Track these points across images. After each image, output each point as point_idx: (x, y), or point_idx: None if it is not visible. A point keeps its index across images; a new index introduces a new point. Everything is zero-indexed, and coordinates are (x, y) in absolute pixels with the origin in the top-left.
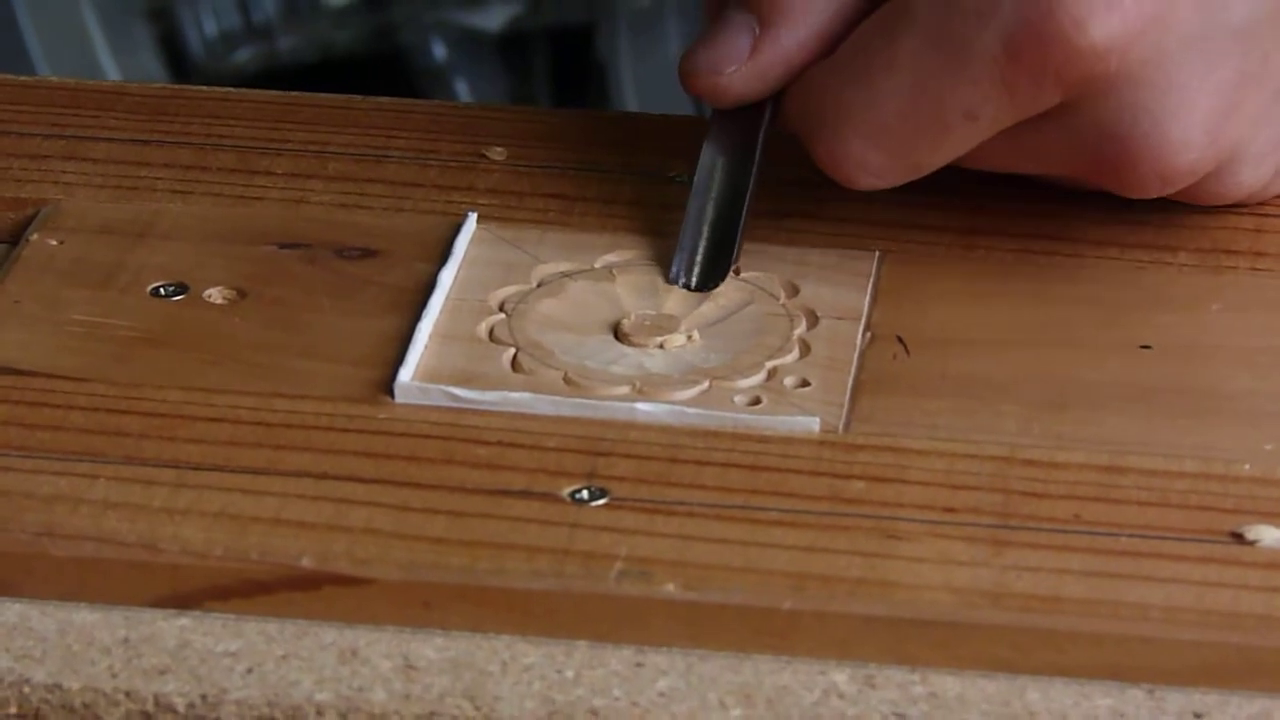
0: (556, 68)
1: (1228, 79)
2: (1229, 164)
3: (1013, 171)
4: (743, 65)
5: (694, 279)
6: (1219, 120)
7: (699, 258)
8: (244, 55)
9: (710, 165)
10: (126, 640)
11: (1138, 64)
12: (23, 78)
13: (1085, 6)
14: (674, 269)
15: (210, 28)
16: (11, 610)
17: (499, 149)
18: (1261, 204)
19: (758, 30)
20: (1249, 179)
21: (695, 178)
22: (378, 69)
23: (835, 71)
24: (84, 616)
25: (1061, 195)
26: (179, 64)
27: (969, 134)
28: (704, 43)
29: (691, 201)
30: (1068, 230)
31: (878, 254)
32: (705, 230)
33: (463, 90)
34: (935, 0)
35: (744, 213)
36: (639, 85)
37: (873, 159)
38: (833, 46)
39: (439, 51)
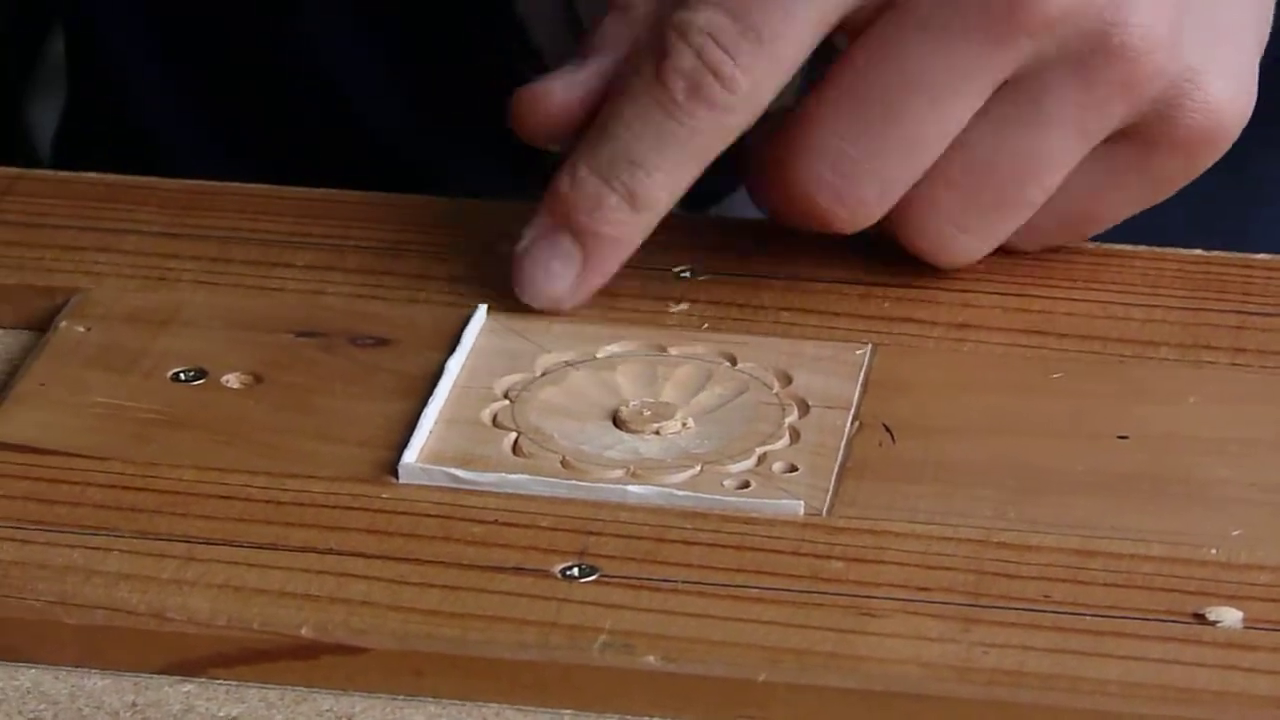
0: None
1: None
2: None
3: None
4: (563, 79)
5: None
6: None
7: None
8: None
9: None
10: (134, 705)
11: None
12: (60, 173)
13: None
14: None
15: None
16: (26, 675)
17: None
18: (1245, 299)
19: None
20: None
21: None
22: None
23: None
24: (94, 682)
25: (1048, 288)
26: None
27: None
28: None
29: None
30: (1054, 325)
31: (870, 346)
32: None
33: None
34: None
35: None
36: None
37: (717, 22)
38: None
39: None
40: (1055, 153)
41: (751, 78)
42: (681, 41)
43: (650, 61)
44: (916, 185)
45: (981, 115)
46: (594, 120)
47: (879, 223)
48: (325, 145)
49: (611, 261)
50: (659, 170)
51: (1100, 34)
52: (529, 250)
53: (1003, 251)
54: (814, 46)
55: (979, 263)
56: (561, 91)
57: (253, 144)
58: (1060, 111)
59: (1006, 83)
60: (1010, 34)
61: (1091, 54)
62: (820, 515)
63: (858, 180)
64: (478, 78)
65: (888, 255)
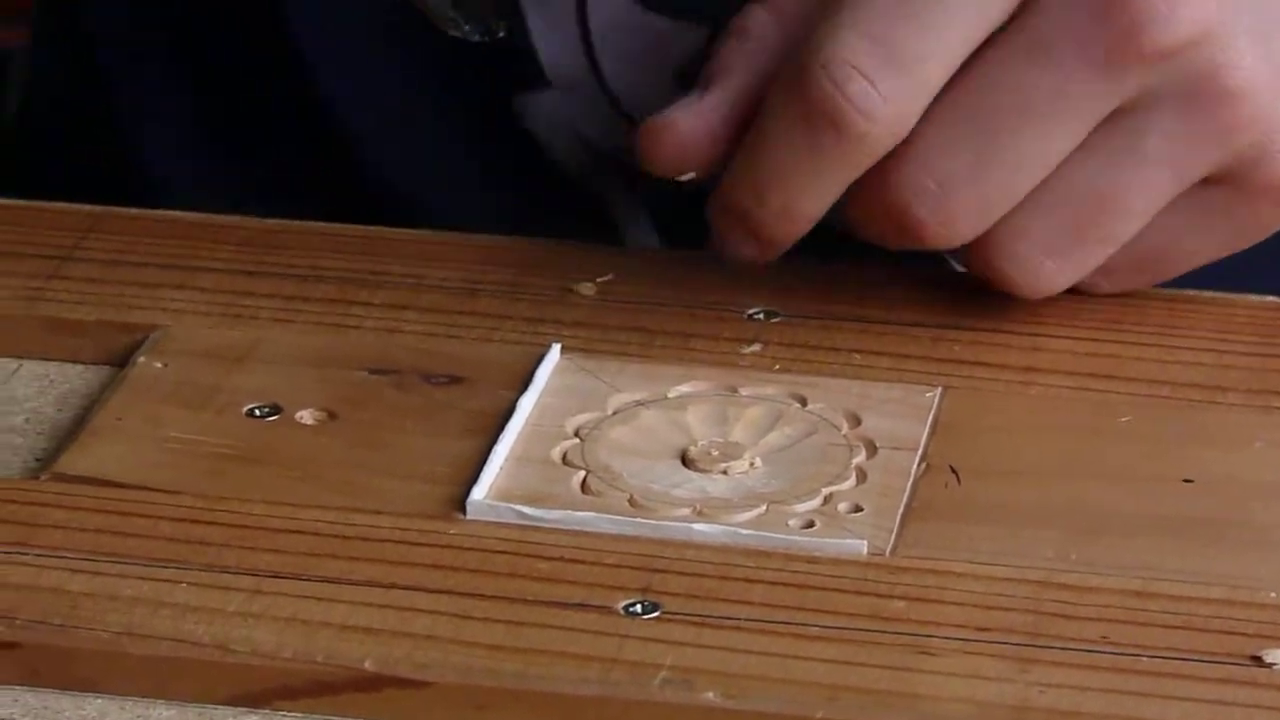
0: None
1: None
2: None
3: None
4: (686, 109)
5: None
6: None
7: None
8: None
9: None
10: None
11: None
12: (142, 211)
13: None
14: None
15: None
16: (93, 705)
17: (588, 284)
18: None
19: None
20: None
21: None
22: None
23: (828, 14)
24: (161, 712)
25: (1118, 333)
26: None
27: (963, 8)
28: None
29: None
30: (1123, 369)
31: (940, 389)
32: None
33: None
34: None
35: None
36: None
37: (862, 50)
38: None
39: None
40: (1151, 189)
41: (895, 107)
42: (824, 76)
43: (791, 98)
44: (1011, 210)
45: (1083, 146)
46: (735, 159)
47: (962, 248)
48: (318, 171)
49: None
50: (804, 195)
51: (1209, 74)
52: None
53: (1077, 293)
54: (960, 64)
55: (1050, 306)
56: (686, 122)
57: (248, 169)
58: (1160, 149)
59: (1111, 114)
60: (1124, 63)
61: (1199, 94)
62: (883, 555)
63: (958, 195)
64: (483, 106)
65: (959, 299)
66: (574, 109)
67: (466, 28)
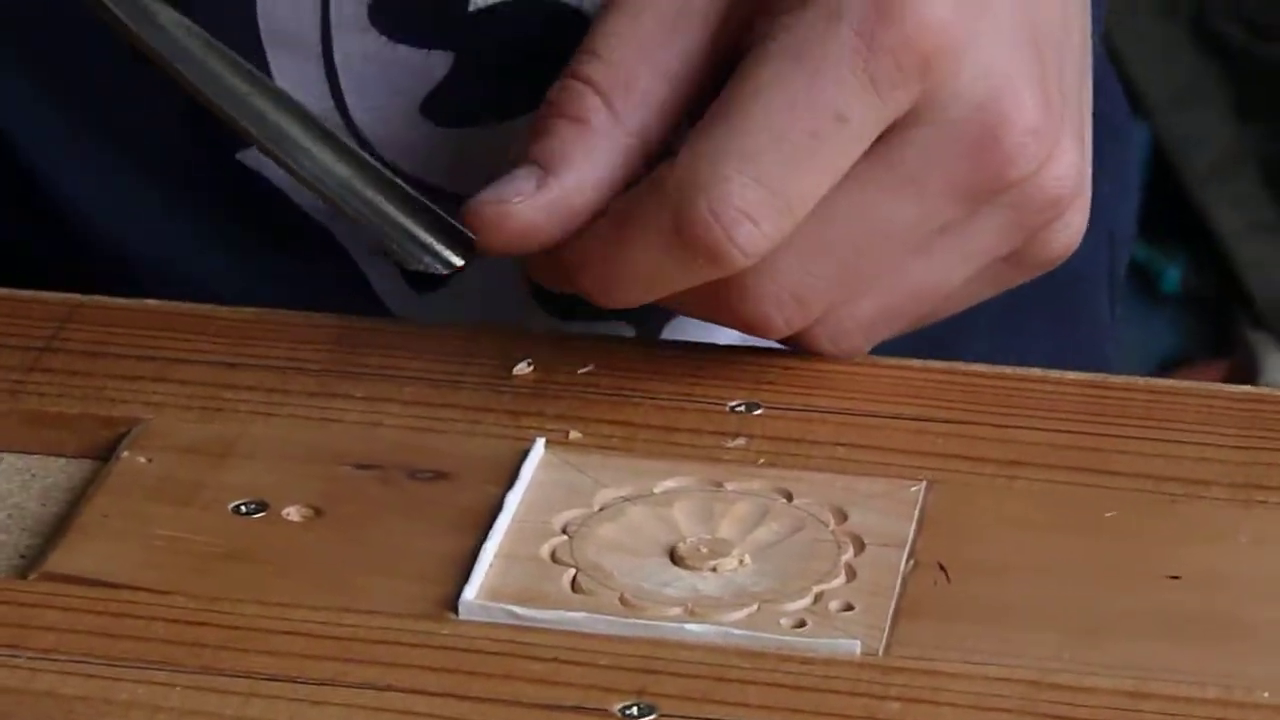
0: None
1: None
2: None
3: (909, 231)
4: (528, 198)
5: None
6: (1044, 84)
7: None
8: None
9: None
10: None
11: (977, 34)
12: (120, 300)
13: None
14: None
15: None
16: None
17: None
18: None
19: (541, 176)
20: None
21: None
22: None
23: (703, 135)
24: None
25: (1099, 425)
26: None
27: (843, 143)
28: (489, 186)
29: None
30: (1106, 463)
31: (924, 483)
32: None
33: None
34: (782, 24)
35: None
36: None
37: (751, 197)
38: (612, 194)
39: None
40: (970, 280)
41: (773, 241)
42: (713, 220)
43: (668, 224)
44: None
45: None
46: (582, 247)
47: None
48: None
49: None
50: (650, 295)
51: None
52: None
53: (1053, 383)
54: None
55: (1028, 398)
56: (528, 215)
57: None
58: (986, 246)
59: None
60: (989, 196)
61: (1031, 213)
62: (876, 655)
63: (814, 306)
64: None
65: (939, 390)
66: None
67: (429, 261)
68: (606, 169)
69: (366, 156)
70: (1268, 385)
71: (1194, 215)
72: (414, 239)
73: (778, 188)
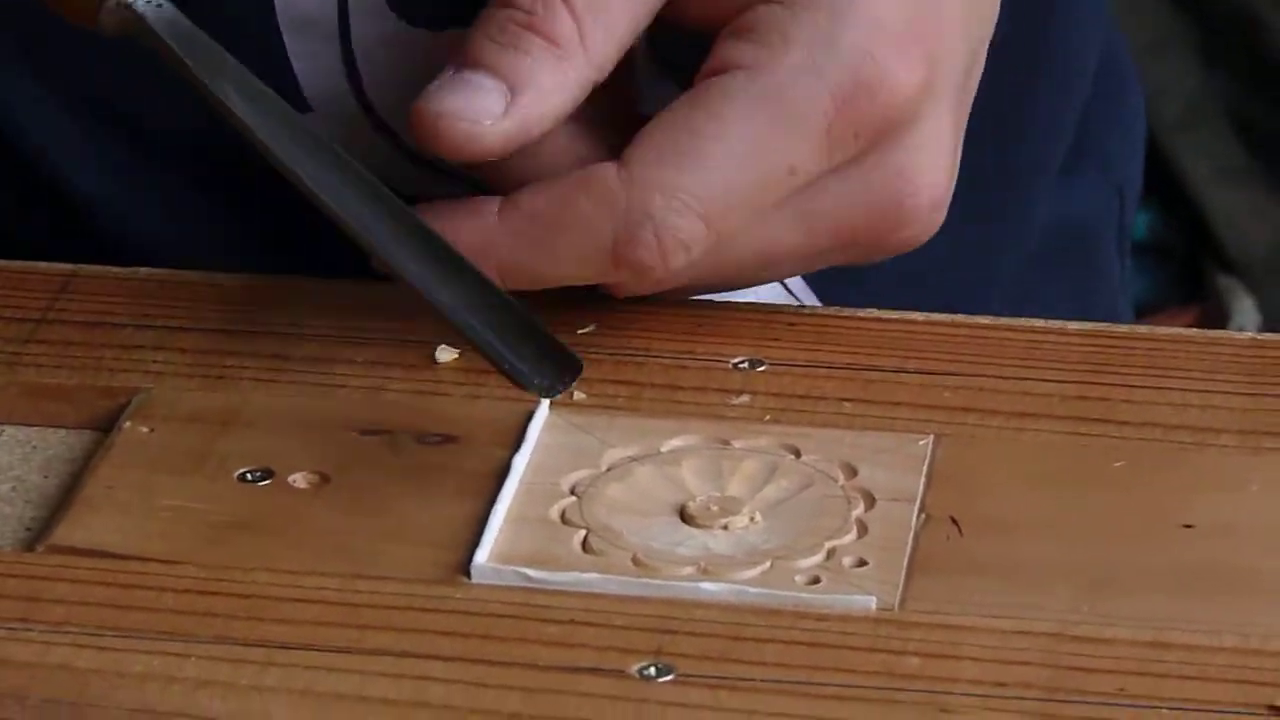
0: None
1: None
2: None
3: (774, 250)
4: (499, 120)
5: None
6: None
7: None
8: None
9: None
10: None
11: (936, 103)
12: (116, 269)
13: (901, 57)
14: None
15: None
16: None
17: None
18: None
19: (509, 96)
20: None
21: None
22: None
23: (659, 161)
24: None
25: (1105, 374)
26: None
27: (785, 190)
28: (451, 92)
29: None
30: (1113, 413)
31: (932, 437)
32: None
33: None
34: (762, 61)
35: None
36: None
37: (694, 231)
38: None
39: None
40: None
41: (694, 261)
42: (655, 243)
43: (608, 237)
44: None
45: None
46: (505, 250)
47: None
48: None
49: None
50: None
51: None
52: None
53: (1061, 334)
54: None
55: (1035, 348)
56: (489, 138)
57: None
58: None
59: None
60: (875, 250)
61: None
62: (892, 610)
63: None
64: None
65: (943, 342)
66: (333, 132)
67: (538, 384)
68: (570, 102)
69: (476, 269)
70: (1237, 330)
71: (1163, 163)
72: (522, 360)
73: (719, 225)
